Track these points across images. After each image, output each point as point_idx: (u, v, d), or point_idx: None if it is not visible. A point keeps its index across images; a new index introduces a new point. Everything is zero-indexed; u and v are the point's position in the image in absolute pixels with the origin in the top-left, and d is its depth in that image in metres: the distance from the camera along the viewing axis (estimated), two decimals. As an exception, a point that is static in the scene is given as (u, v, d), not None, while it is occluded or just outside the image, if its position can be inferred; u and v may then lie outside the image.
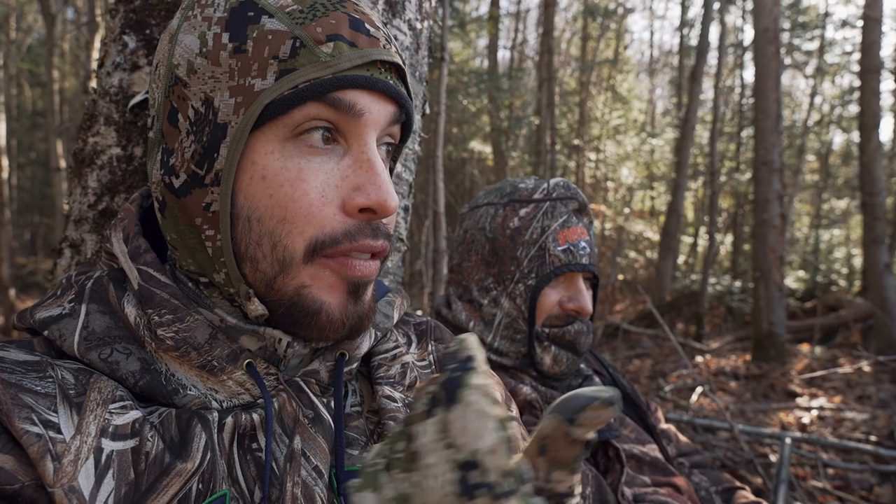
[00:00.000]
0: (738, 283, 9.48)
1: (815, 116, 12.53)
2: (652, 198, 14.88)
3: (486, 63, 12.88)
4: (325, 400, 0.59)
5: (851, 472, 3.14)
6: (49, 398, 0.49)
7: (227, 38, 0.52)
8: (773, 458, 3.31)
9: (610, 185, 14.26)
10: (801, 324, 7.59)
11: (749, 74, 14.17)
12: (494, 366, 1.10)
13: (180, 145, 0.54)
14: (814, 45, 12.01)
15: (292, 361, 0.60)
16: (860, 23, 7.03)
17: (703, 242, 12.50)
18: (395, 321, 0.70)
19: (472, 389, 0.36)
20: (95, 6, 9.74)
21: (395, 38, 1.04)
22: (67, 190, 1.34)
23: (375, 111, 0.55)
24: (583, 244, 1.08)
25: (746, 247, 11.09)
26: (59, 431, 0.47)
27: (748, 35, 11.58)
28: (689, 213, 14.15)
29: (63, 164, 9.33)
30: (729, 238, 12.62)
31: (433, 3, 1.20)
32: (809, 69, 12.64)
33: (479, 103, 9.76)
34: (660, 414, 1.32)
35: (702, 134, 13.40)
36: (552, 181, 1.12)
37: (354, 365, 0.63)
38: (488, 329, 1.10)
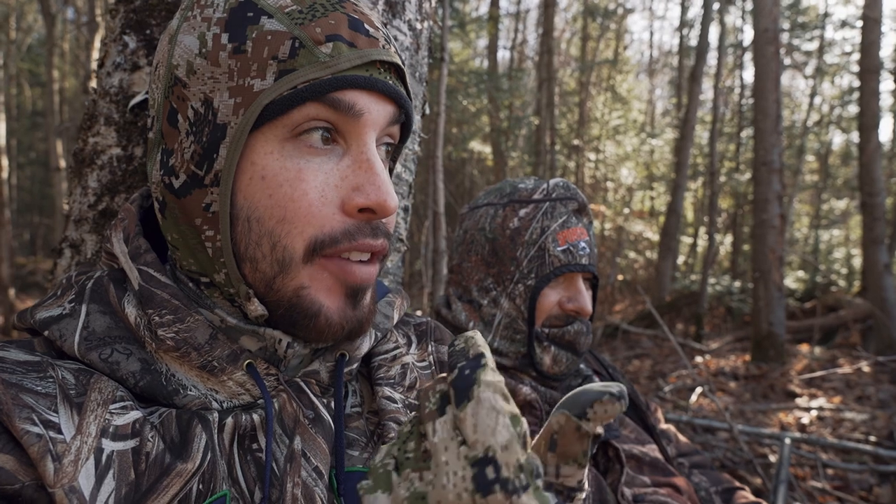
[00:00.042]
0: (737, 284, 9.48)
1: (814, 117, 12.53)
2: (651, 198, 14.87)
3: (485, 63, 12.88)
4: (325, 400, 0.59)
5: (851, 472, 3.14)
6: (49, 398, 0.49)
7: (227, 38, 0.52)
8: (772, 458, 3.30)
9: (610, 185, 14.25)
10: (801, 324, 7.59)
11: (749, 75, 14.20)
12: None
13: (180, 146, 0.54)
14: (813, 46, 12.01)
15: (292, 362, 0.60)
16: (860, 23, 7.03)
17: (702, 243, 12.49)
18: (395, 322, 0.70)
19: (485, 386, 0.36)
20: (95, 6, 9.73)
21: (395, 39, 1.04)
22: (67, 190, 1.34)
23: (375, 111, 0.55)
24: (582, 244, 1.08)
25: (746, 247, 11.08)
26: (60, 432, 0.47)
27: (748, 35, 11.58)
28: (689, 214, 14.15)
29: (63, 164, 9.32)
30: (728, 238, 12.61)
31: (433, 4, 1.20)
32: (809, 69, 12.65)
33: (478, 103, 9.76)
34: (659, 414, 1.32)
35: (701, 134, 13.39)
36: (552, 181, 1.12)
37: (354, 365, 0.63)
38: (488, 329, 1.10)
